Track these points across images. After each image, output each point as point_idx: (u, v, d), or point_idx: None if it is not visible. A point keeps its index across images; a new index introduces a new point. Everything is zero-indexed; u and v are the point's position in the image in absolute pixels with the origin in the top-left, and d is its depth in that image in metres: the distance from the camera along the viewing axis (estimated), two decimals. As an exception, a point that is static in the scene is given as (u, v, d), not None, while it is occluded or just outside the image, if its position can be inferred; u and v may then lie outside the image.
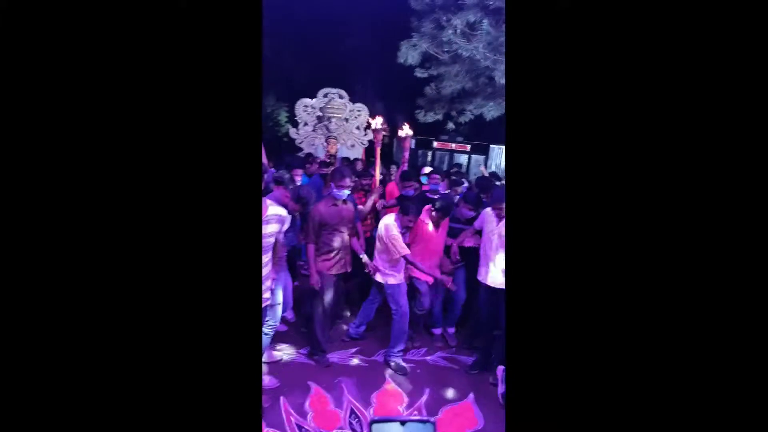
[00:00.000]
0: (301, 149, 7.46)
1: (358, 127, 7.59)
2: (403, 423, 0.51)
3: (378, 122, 4.04)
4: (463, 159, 11.22)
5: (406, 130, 4.13)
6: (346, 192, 2.98)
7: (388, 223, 2.94)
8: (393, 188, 4.22)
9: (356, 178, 3.87)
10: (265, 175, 3.09)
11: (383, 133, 4.13)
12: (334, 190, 2.95)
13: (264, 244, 2.33)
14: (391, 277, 3.01)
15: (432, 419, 0.52)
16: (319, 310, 2.98)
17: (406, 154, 4.23)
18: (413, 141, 13.06)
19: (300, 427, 2.35)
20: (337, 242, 2.97)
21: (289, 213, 2.68)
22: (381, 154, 4.01)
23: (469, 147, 11.39)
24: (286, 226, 2.78)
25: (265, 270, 2.38)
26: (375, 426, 0.51)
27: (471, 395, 2.76)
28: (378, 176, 3.92)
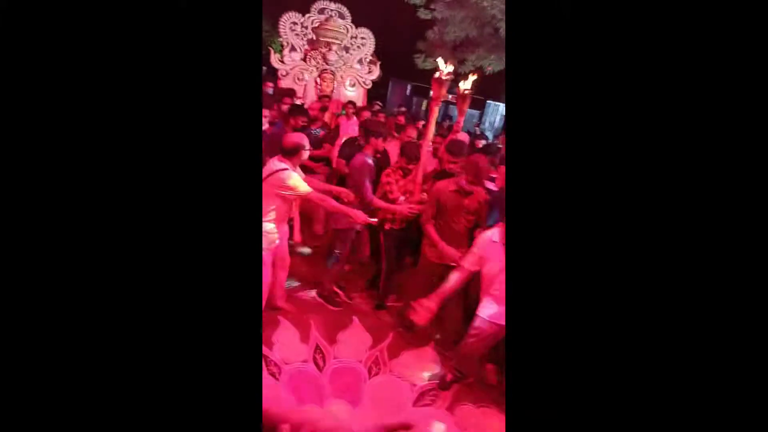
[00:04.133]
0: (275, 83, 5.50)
1: (360, 61, 6.14)
2: None
3: (447, 69, 2.42)
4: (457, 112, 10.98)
5: (466, 83, 2.64)
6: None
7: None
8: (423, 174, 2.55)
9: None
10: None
11: (446, 84, 2.44)
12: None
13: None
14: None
15: None
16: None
17: (461, 120, 2.89)
18: (408, 87, 11.92)
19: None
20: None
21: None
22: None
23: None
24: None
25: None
26: None
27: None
28: (429, 147, 2.73)
